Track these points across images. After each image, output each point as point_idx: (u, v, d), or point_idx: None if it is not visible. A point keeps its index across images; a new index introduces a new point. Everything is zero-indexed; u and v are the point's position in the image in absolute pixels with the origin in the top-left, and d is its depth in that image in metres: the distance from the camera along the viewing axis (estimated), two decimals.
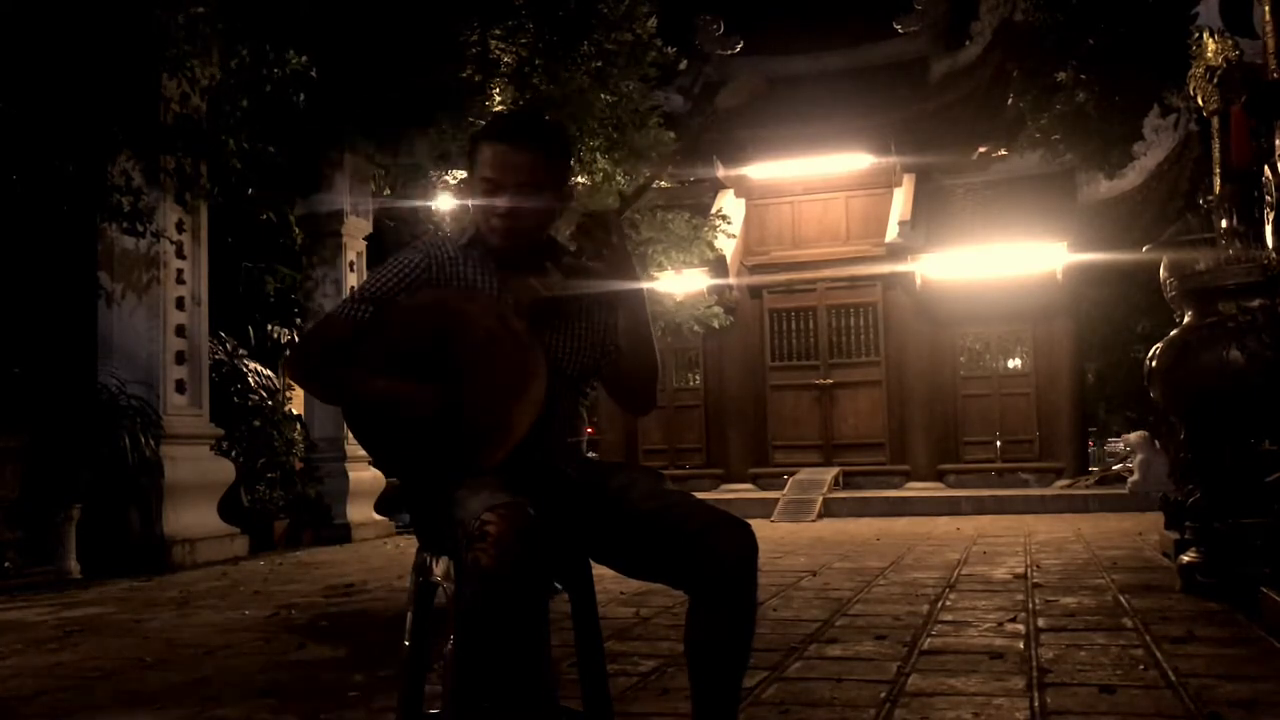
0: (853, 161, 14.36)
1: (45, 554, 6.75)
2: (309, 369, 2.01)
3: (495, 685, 1.67)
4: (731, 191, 14.76)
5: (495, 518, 1.66)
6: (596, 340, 2.08)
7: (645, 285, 2.02)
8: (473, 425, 1.85)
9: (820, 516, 11.92)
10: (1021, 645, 3.72)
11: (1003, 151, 14.25)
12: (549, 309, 1.98)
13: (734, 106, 2.14)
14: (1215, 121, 5.74)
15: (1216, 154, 5.65)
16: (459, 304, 1.95)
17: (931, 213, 14.25)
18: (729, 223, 11.95)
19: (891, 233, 13.85)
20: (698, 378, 15.45)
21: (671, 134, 9.53)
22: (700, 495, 2.00)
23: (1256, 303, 4.88)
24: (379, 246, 10.59)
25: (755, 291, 14.87)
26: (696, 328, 11.76)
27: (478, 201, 1.99)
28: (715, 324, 11.86)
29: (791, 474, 13.56)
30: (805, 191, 15.00)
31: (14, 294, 7.35)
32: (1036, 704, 2.85)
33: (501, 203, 1.95)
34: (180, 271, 7.76)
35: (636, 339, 2.05)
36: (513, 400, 1.85)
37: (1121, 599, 4.81)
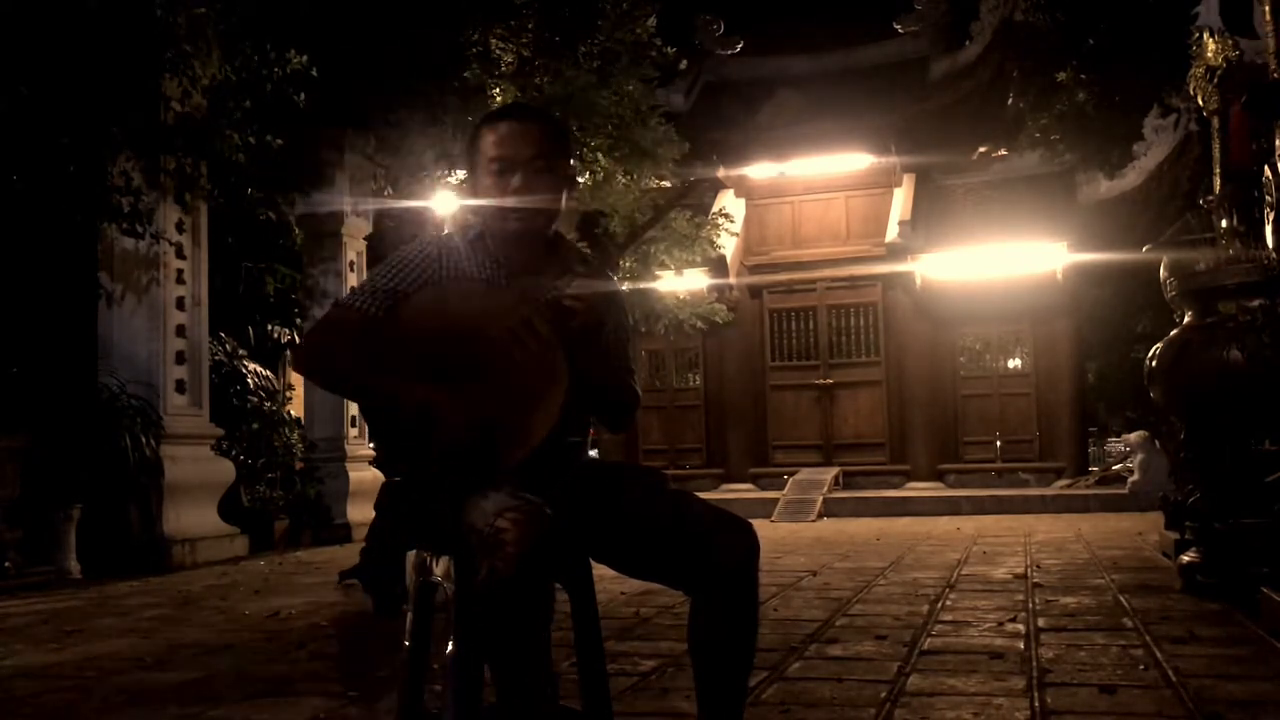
0: (853, 161, 14.36)
1: (45, 554, 6.75)
2: (318, 362, 1.93)
3: (497, 686, 1.67)
4: (732, 191, 14.75)
5: (510, 524, 1.63)
6: (608, 341, 2.03)
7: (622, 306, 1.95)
8: (490, 429, 1.78)
9: (820, 516, 11.92)
10: (1022, 645, 3.72)
11: (1003, 151, 14.23)
12: (567, 312, 1.89)
13: (775, 123, 2.11)
14: (1215, 121, 5.75)
15: (1216, 154, 5.66)
16: (479, 302, 1.88)
17: (931, 213, 14.26)
18: (731, 221, 11.96)
19: (891, 233, 13.85)
20: (698, 378, 15.45)
21: (675, 135, 9.53)
22: (700, 495, 1.99)
23: (1256, 303, 4.88)
24: (379, 247, 10.59)
25: (755, 291, 14.87)
26: (698, 324, 11.77)
27: (487, 187, 1.92)
28: (718, 319, 11.87)
29: (792, 474, 13.56)
30: (805, 191, 15.00)
31: (14, 294, 7.35)
32: (1036, 704, 2.85)
33: (515, 180, 1.90)
34: (180, 272, 7.76)
35: (602, 364, 1.97)
36: (533, 405, 1.79)
37: (1121, 599, 4.81)
